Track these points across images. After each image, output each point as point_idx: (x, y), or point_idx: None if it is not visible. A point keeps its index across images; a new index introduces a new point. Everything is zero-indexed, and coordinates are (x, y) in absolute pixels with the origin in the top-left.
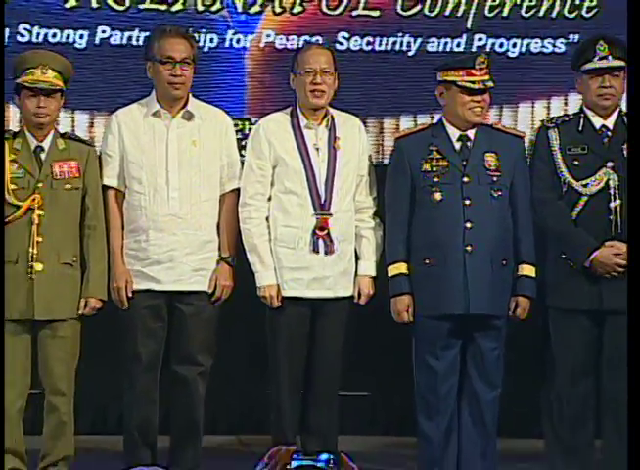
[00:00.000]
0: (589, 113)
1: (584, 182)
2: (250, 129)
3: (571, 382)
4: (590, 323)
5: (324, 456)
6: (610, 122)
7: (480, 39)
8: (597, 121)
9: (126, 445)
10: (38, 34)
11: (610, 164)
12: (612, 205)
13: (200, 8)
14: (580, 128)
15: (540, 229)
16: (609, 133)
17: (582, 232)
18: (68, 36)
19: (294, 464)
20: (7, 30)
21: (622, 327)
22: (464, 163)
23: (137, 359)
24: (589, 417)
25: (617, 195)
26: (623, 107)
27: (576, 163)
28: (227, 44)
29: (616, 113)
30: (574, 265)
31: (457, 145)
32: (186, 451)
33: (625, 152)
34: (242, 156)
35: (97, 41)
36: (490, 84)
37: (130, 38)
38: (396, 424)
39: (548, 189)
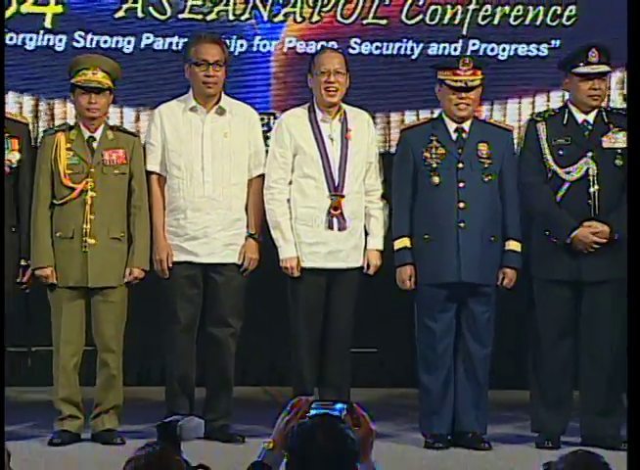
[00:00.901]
0: (573, 108)
1: (567, 170)
2: (274, 123)
3: (552, 342)
4: (570, 292)
5: (338, 405)
6: (590, 117)
7: (474, 44)
8: (580, 116)
9: (168, 395)
10: (92, 40)
11: (590, 154)
12: (591, 190)
13: (231, 17)
14: (565, 122)
15: (527, 209)
16: (590, 127)
17: (564, 213)
18: (117, 42)
19: (312, 412)
20: (64, 37)
21: (598, 295)
22: (459, 151)
23: (177, 322)
24: (569, 372)
25: (595, 181)
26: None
27: (561, 152)
28: (255, 49)
29: (596, 110)
30: (557, 241)
31: (454, 136)
32: (219, 401)
33: (604, 143)
34: (266, 146)
35: (142, 46)
36: (474, 83)
37: (171, 44)
38: (401, 378)
39: (535, 174)
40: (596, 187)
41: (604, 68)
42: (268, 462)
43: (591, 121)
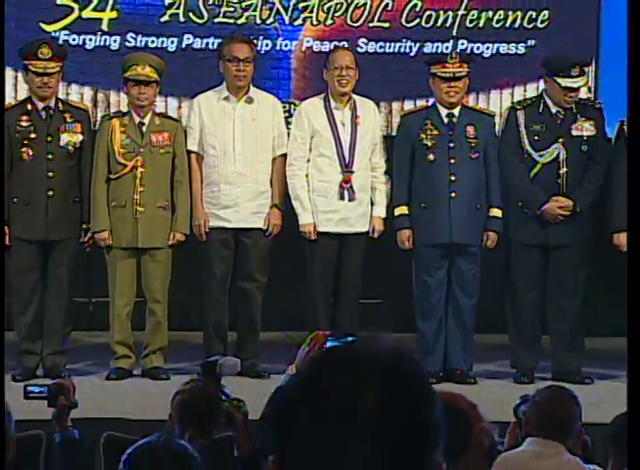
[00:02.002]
0: (548, 101)
1: (541, 153)
2: (294, 110)
3: (525, 294)
4: (539, 253)
5: (350, 338)
6: (562, 108)
7: (462, 43)
8: (553, 107)
9: (205, 338)
10: (141, 41)
11: (560, 139)
12: (560, 171)
13: (258, 21)
14: (540, 111)
15: (505, 184)
16: (561, 116)
17: (536, 189)
18: (162, 42)
19: (328, 344)
20: (118, 38)
21: (562, 257)
22: (450, 133)
23: (212, 277)
24: (538, 318)
25: (564, 164)
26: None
27: (536, 137)
28: (278, 48)
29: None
30: (529, 212)
31: (445, 120)
32: (248, 344)
33: (573, 131)
34: (288, 129)
35: (183, 46)
36: (461, 74)
37: (207, 44)
38: (401, 324)
39: (513, 155)
40: (565, 169)
41: (582, 80)
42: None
43: (563, 112)
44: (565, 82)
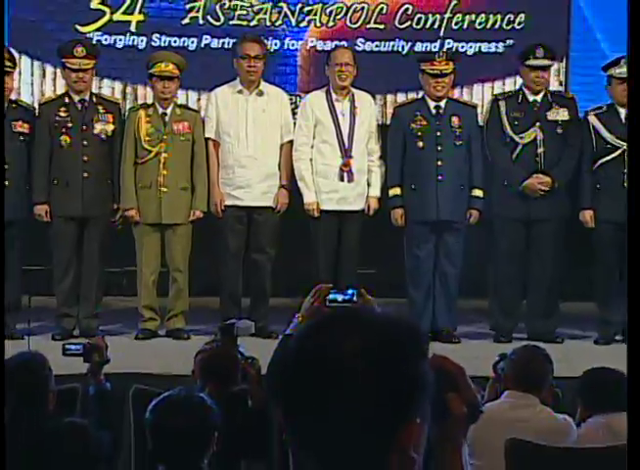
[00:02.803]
0: (526, 91)
1: (521, 136)
2: (299, 102)
3: (507, 264)
4: (521, 227)
5: (350, 290)
6: (539, 97)
7: (448, 43)
8: (531, 97)
9: (221, 303)
10: (165, 41)
11: (538, 124)
12: (538, 151)
13: (268, 23)
14: (519, 101)
15: (490, 165)
16: (538, 104)
17: (518, 168)
18: (183, 42)
19: (330, 296)
20: (144, 38)
21: (542, 230)
22: (437, 122)
23: (227, 249)
24: (518, 286)
25: (541, 145)
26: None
27: (516, 123)
28: (285, 47)
29: (543, 92)
30: (512, 189)
31: (433, 111)
32: (259, 308)
33: (548, 117)
34: (294, 119)
35: (202, 45)
36: (447, 71)
37: (223, 43)
38: (393, 291)
39: (497, 139)
40: (542, 149)
41: (546, 61)
42: (294, 332)
43: (539, 100)
44: (531, 62)
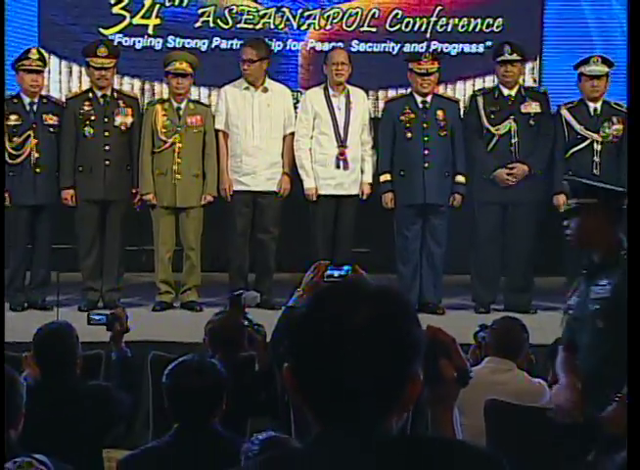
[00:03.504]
0: (501, 87)
1: (497, 127)
2: (300, 97)
3: (486, 242)
4: (499, 209)
5: (346, 267)
6: (513, 92)
7: (434, 44)
8: (506, 92)
9: (230, 278)
10: (179, 42)
11: (512, 117)
12: (512, 141)
13: (272, 26)
14: (496, 96)
15: (468, 156)
16: (512, 98)
17: (490, 159)
18: (196, 43)
19: (328, 272)
20: (161, 40)
21: (518, 212)
22: (424, 116)
23: (235, 230)
24: (497, 263)
25: (515, 135)
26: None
27: (492, 116)
28: (288, 48)
29: (517, 87)
30: (485, 176)
31: (420, 105)
32: (264, 283)
33: (522, 109)
34: (295, 112)
35: (212, 46)
36: (433, 70)
37: (232, 45)
38: (384, 268)
39: (474, 132)
40: (516, 139)
41: (514, 56)
42: (296, 304)
43: (513, 95)
44: (500, 58)
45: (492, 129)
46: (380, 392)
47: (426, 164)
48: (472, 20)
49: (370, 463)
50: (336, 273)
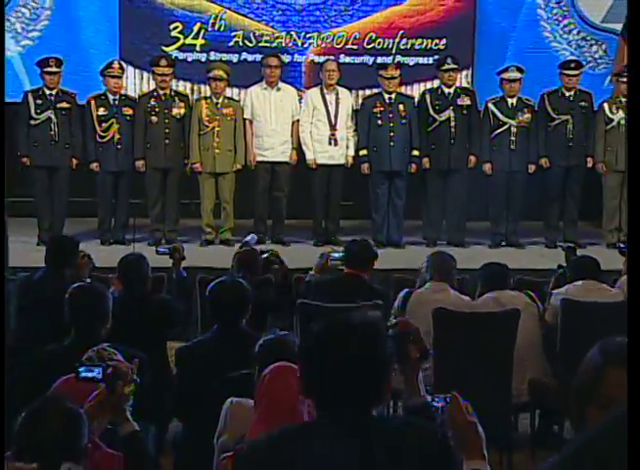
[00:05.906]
0: (443, 87)
1: (440, 115)
2: (304, 95)
3: (434, 199)
4: (443, 174)
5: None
6: (451, 90)
7: (398, 57)
8: (446, 90)
9: (255, 223)
10: (217, 56)
11: (451, 107)
12: (451, 125)
13: (283, 44)
14: (439, 93)
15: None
16: (451, 95)
17: (428, 141)
18: (229, 57)
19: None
20: (205, 54)
21: (456, 177)
22: (390, 108)
23: (257, 189)
24: (440, 211)
25: (453, 121)
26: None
27: (437, 107)
28: (294, 60)
29: (454, 87)
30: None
31: (387, 101)
32: (278, 227)
33: (458, 102)
34: (300, 106)
35: (241, 59)
36: (396, 75)
37: (255, 58)
38: (363, 215)
39: (423, 120)
40: (454, 123)
41: (453, 65)
42: (311, 279)
43: (452, 92)
44: (444, 67)
45: (436, 117)
46: (365, 392)
47: (392, 143)
48: (424, 40)
49: (354, 445)
50: (337, 255)
